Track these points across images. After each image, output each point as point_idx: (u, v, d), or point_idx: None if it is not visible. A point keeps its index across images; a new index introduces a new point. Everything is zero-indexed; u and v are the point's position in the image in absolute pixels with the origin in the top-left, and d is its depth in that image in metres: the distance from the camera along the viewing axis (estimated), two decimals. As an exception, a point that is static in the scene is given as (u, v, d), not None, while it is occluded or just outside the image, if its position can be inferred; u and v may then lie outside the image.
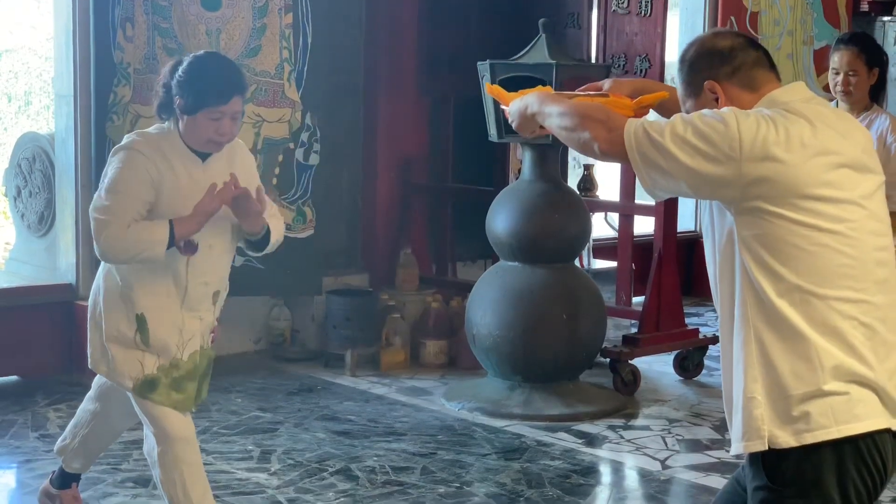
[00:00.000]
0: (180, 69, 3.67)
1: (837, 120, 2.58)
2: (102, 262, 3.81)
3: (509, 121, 2.91)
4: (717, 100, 2.60)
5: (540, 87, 3.04)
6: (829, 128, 2.51)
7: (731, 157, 2.43)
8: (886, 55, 4.69)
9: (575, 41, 6.68)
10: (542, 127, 2.80)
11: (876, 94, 4.62)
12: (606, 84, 2.99)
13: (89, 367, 3.91)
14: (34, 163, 6.58)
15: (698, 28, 8.81)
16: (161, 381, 3.73)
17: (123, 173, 3.64)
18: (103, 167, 5.86)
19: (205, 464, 4.67)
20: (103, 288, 3.80)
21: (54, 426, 5.38)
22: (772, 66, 2.65)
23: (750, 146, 2.43)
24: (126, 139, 3.76)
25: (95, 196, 3.71)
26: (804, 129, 2.47)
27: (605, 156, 2.61)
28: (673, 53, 6.07)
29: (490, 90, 3.16)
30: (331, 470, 4.93)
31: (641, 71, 6.41)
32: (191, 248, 3.71)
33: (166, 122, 3.75)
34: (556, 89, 5.44)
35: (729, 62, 2.61)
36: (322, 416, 5.68)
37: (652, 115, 2.90)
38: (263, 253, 3.94)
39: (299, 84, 6.58)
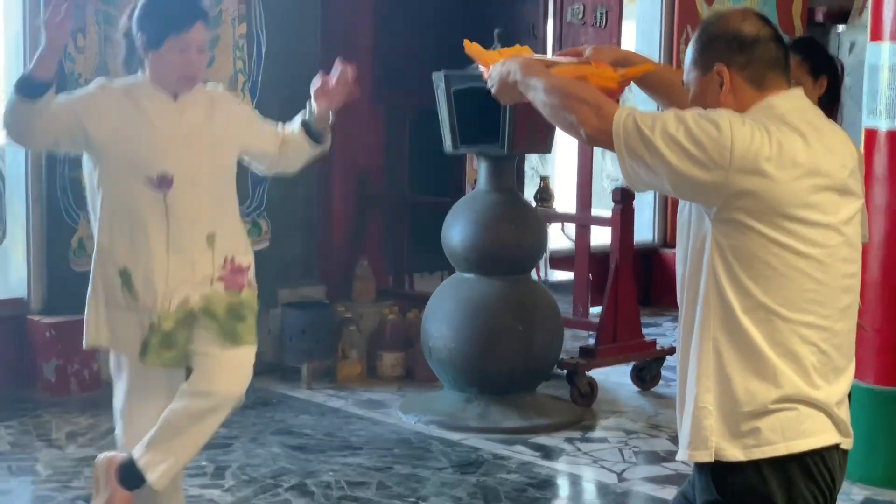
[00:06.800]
0: (138, 7, 3.59)
1: (831, 135, 2.52)
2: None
3: (488, 84, 2.78)
4: (721, 85, 2.51)
5: (518, 46, 2.91)
6: (822, 145, 2.46)
7: (719, 164, 2.37)
8: (840, 63, 4.18)
9: (533, 52, 6.66)
10: (522, 95, 2.68)
11: (828, 107, 3.99)
12: (588, 50, 2.87)
13: (84, 346, 3.76)
14: (-16, 176, 6.50)
15: (654, 39, 8.84)
16: (151, 342, 3.61)
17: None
18: (55, 180, 5.80)
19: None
20: (94, 258, 3.69)
21: (4, 443, 5.30)
22: (786, 68, 2.56)
23: (741, 157, 2.37)
24: None
25: None
26: (797, 144, 2.42)
27: (591, 140, 2.54)
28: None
29: (468, 48, 2.95)
30: (286, 486, 4.88)
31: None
32: (166, 183, 3.57)
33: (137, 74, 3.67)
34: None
35: (746, 52, 2.51)
36: (277, 431, 5.63)
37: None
38: (320, 149, 3.93)
39: (253, 94, 6.55)
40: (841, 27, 9.34)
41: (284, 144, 3.91)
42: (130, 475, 3.66)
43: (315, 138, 3.92)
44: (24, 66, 6.08)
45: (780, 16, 9.00)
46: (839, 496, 2.62)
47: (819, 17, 9.38)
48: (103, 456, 3.78)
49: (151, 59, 3.59)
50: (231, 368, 3.72)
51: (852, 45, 9.16)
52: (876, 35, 5.01)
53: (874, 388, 4.94)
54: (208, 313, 3.67)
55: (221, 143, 3.73)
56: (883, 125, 4.95)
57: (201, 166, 3.65)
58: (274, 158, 3.94)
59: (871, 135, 5.00)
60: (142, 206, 3.59)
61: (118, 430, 3.83)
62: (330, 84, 3.82)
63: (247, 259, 3.78)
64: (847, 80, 4.30)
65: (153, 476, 3.65)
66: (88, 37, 6.04)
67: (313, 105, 3.87)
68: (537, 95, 2.61)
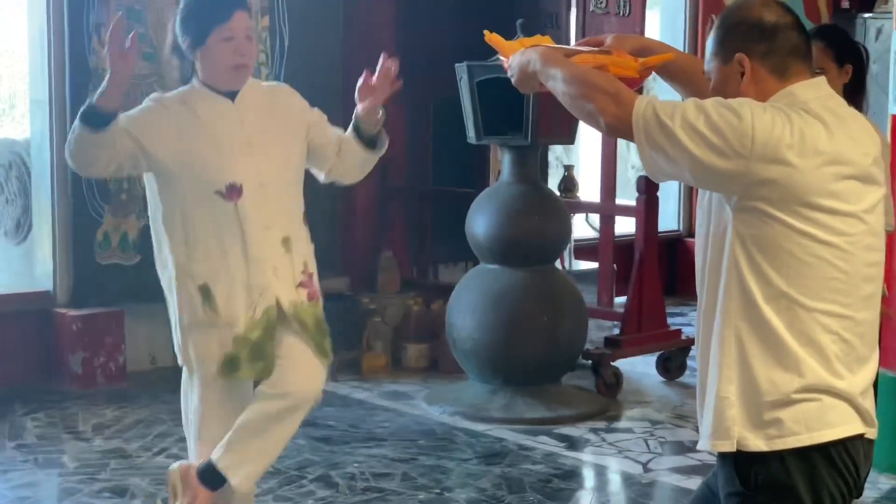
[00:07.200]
0: (177, 14, 3.54)
1: (854, 123, 2.50)
2: (158, 263, 3.64)
3: (508, 74, 2.76)
4: (742, 74, 2.49)
5: (539, 36, 2.89)
6: (845, 133, 2.44)
7: (740, 153, 2.35)
8: (865, 50, 4.16)
9: (553, 42, 6.64)
10: (542, 84, 2.66)
11: (852, 95, 3.95)
12: (609, 39, 2.84)
13: (179, 364, 3.68)
14: (10, 169, 6.54)
15: (679, 28, 8.80)
16: (240, 355, 3.51)
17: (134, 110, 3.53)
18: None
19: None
20: (170, 277, 3.60)
21: (31, 435, 5.33)
22: (807, 56, 2.53)
23: (762, 146, 2.35)
24: None
25: None
26: (819, 132, 2.39)
27: (610, 129, 2.51)
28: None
29: (489, 38, 2.91)
30: (310, 477, 4.89)
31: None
32: (235, 192, 3.50)
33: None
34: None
35: (767, 41, 2.48)
36: (302, 422, 5.61)
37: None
38: (375, 154, 3.77)
39: (276, 87, 6.53)
40: (867, 14, 9.27)
41: (341, 150, 3.78)
42: (212, 477, 3.60)
43: (368, 142, 3.76)
44: (47, 61, 6.12)
45: (806, 3, 8.94)
46: (866, 485, 2.60)
47: (845, 4, 9.31)
48: (178, 464, 3.72)
49: (201, 58, 3.51)
50: (307, 368, 3.62)
51: (878, 32, 9.08)
52: (902, 22, 4.97)
53: (901, 378, 4.90)
54: (299, 321, 3.59)
55: (286, 142, 3.65)
56: (909, 112, 4.90)
57: (269, 170, 3.57)
58: (333, 163, 3.80)
59: (898, 122, 4.96)
60: (214, 219, 3.50)
61: (191, 441, 3.75)
62: (372, 80, 3.70)
63: (314, 263, 3.73)
64: (873, 68, 4.25)
65: (236, 479, 3.58)
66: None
67: (358, 106, 3.73)
68: (556, 85, 2.59)
